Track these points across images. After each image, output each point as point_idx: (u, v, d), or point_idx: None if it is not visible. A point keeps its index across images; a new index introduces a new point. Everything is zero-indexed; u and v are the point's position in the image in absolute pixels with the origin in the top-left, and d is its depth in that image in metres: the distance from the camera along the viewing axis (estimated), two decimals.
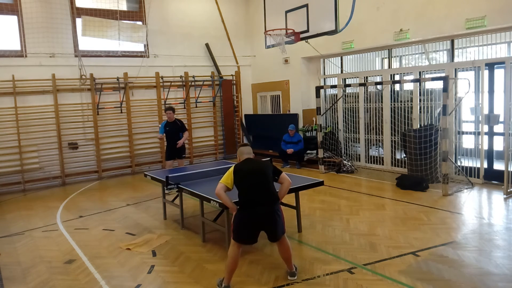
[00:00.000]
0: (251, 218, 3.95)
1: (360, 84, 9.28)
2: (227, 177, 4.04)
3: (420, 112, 8.67)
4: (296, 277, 4.15)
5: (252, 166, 4.08)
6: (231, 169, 4.08)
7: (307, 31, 7.48)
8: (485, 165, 7.72)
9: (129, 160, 10.76)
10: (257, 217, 3.94)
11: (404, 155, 8.71)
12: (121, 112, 10.51)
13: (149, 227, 6.09)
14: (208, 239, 5.38)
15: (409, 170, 8.24)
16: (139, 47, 10.92)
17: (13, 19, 9.21)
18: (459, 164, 8.11)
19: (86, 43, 10.07)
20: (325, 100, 10.79)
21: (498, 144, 7.68)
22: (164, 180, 5.61)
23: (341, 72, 10.51)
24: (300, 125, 11.22)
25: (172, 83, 11.14)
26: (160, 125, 8.44)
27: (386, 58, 9.99)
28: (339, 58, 10.53)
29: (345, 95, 10.27)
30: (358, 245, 4.97)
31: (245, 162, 4.14)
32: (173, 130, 8.16)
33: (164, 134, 8.23)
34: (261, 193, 3.97)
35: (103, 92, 10.10)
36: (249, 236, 4.02)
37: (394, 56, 9.62)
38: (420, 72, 8.68)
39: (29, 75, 9.29)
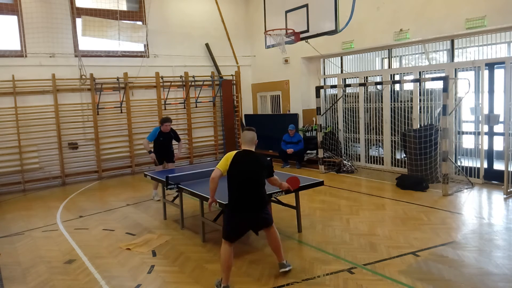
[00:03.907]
0: (240, 221, 3.97)
1: (360, 84, 9.28)
2: (225, 164, 3.96)
3: (420, 112, 8.67)
4: (287, 269, 4.19)
5: (248, 164, 3.96)
6: (230, 155, 4.00)
7: (307, 31, 7.48)
8: (485, 165, 7.72)
9: (129, 160, 10.76)
10: (246, 221, 3.99)
11: (404, 155, 8.71)
12: (121, 112, 10.51)
13: (149, 227, 6.09)
14: (208, 239, 5.38)
15: (409, 170, 8.24)
16: (139, 47, 10.92)
17: (13, 19, 9.21)
18: (459, 164, 8.11)
19: (86, 43, 10.08)
20: (325, 100, 10.79)
21: (498, 144, 7.67)
22: (164, 180, 5.61)
23: (341, 72, 10.51)
24: (300, 125, 11.22)
25: (172, 83, 11.14)
26: (152, 130, 7.63)
27: (386, 58, 9.99)
28: (339, 58, 10.53)
29: (345, 95, 10.27)
30: (358, 245, 4.97)
31: (245, 155, 4.01)
32: (166, 140, 7.67)
33: (152, 142, 7.61)
34: (251, 198, 3.95)
35: (103, 92, 10.10)
36: (238, 236, 4.04)
37: (394, 56, 9.62)
38: (420, 72, 8.68)
39: (29, 75, 9.29)
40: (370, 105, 9.73)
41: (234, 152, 4.03)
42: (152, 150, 7.63)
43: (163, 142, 7.64)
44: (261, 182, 4.03)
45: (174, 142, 7.86)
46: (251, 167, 3.97)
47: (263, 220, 4.04)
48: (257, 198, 3.97)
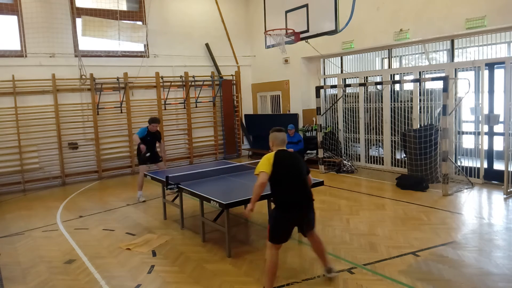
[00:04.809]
0: (291, 220, 3.77)
1: (360, 84, 9.28)
2: (268, 165, 3.70)
3: (420, 112, 8.67)
4: (334, 274, 4.03)
5: (291, 161, 3.82)
6: (269, 156, 3.77)
7: (307, 31, 7.48)
8: (485, 165, 7.72)
9: (129, 160, 10.75)
10: (298, 219, 3.81)
11: (404, 155, 8.71)
12: (121, 112, 10.51)
13: (149, 227, 6.09)
14: (208, 239, 5.38)
15: (409, 170, 8.24)
16: (139, 47, 10.92)
17: (13, 19, 9.21)
18: (459, 164, 8.11)
19: (86, 43, 10.07)
20: (325, 100, 10.79)
21: (498, 144, 7.68)
22: (164, 180, 5.61)
23: (341, 72, 10.51)
24: (300, 125, 11.22)
25: (172, 83, 11.14)
26: (140, 129, 7.71)
27: (386, 58, 9.99)
28: (339, 58, 10.53)
29: (345, 95, 10.27)
30: (358, 245, 4.97)
31: (286, 154, 3.85)
32: (153, 140, 7.75)
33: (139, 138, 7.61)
34: (302, 194, 3.78)
35: (103, 92, 10.10)
36: (287, 236, 3.82)
37: (394, 56, 9.61)
38: (420, 72, 8.68)
39: (29, 75, 9.28)
40: (370, 105, 9.73)
41: (272, 153, 3.83)
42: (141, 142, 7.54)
43: (150, 141, 7.67)
44: (305, 175, 3.88)
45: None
46: (297, 164, 3.84)
47: (311, 220, 3.90)
48: (309, 195, 3.83)
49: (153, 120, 7.68)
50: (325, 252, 4.06)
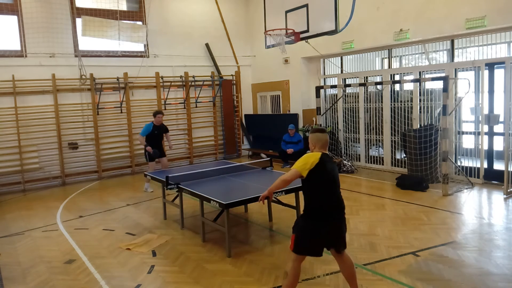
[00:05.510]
0: (323, 228, 3.36)
1: (360, 84, 9.28)
2: (306, 165, 3.35)
3: (420, 112, 8.67)
4: None
5: (334, 169, 3.51)
6: (313, 156, 3.39)
7: (307, 31, 7.48)
8: (485, 165, 7.72)
9: (129, 160, 10.75)
10: (331, 229, 3.40)
11: (404, 155, 8.71)
12: (121, 112, 10.51)
13: (149, 227, 6.09)
14: (208, 239, 5.38)
15: (409, 170, 8.24)
16: (139, 47, 10.92)
17: (13, 19, 9.21)
18: (459, 164, 8.11)
19: (86, 43, 10.07)
20: (325, 100, 10.79)
21: (498, 144, 7.68)
22: (164, 180, 5.61)
23: (341, 72, 10.51)
24: (300, 125, 11.22)
25: (172, 83, 11.14)
26: (145, 126, 8.11)
27: (386, 58, 9.99)
28: (339, 58, 10.53)
29: (345, 95, 10.27)
30: (358, 245, 4.97)
31: (328, 158, 3.50)
32: (160, 132, 8.10)
33: (144, 137, 8.04)
34: (338, 203, 3.50)
35: (103, 92, 10.10)
36: (317, 248, 3.42)
37: (394, 56, 9.61)
38: (420, 72, 8.68)
39: (29, 75, 9.29)
40: (370, 105, 9.73)
41: (317, 154, 3.43)
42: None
43: (157, 135, 8.11)
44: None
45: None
46: (337, 174, 3.56)
47: (344, 233, 3.52)
48: (343, 205, 3.55)
49: (158, 112, 8.11)
50: (355, 278, 3.56)
